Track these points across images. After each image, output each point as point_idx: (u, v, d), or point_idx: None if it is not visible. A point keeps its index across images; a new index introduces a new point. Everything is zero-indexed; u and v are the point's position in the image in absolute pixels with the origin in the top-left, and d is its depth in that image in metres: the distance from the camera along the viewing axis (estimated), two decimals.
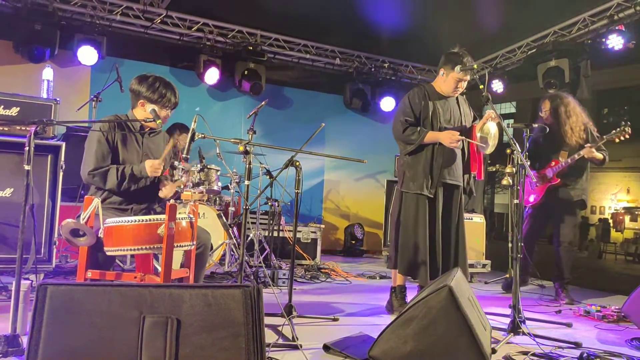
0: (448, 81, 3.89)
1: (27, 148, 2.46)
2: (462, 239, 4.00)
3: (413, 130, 3.84)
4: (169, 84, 3.36)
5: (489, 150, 3.94)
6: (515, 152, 3.43)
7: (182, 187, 3.12)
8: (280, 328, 3.19)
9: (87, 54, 6.37)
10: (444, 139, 3.79)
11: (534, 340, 3.14)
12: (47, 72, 4.65)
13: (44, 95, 4.56)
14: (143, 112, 3.29)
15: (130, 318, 1.84)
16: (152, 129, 3.40)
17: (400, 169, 4.05)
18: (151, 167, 3.15)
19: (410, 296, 3.97)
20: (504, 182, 3.50)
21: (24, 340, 2.30)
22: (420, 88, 4.00)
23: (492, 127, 3.90)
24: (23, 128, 4.01)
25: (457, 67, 3.76)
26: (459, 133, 3.78)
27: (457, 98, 4.05)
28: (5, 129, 4.01)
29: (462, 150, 4.01)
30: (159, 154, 3.39)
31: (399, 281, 4.02)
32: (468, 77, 3.89)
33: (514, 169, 3.44)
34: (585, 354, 2.93)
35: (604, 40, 6.25)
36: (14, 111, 4.09)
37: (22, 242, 2.45)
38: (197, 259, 3.16)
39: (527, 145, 3.86)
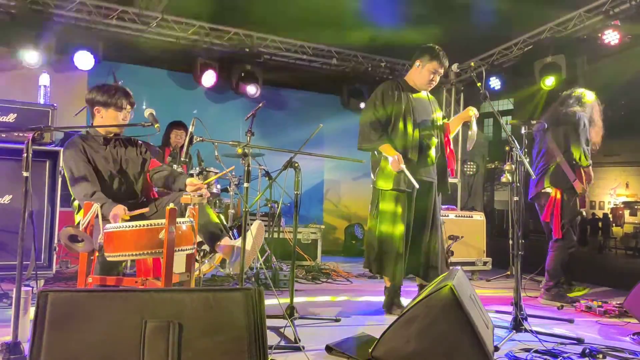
0: (423, 73, 3.96)
1: (25, 154, 2.46)
2: (436, 234, 4.03)
3: (378, 131, 3.84)
4: (119, 87, 3.36)
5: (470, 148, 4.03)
6: (514, 149, 3.43)
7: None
8: (282, 330, 3.19)
9: (84, 59, 6.36)
10: (391, 162, 3.78)
11: (536, 337, 3.14)
12: (44, 78, 4.64)
13: (41, 101, 4.55)
14: (101, 119, 3.29)
15: (132, 323, 1.83)
16: (117, 135, 3.39)
17: (375, 165, 4.02)
18: (115, 214, 2.95)
19: (405, 293, 4.06)
20: (504, 179, 3.50)
21: (26, 347, 2.29)
22: (394, 82, 4.04)
23: (474, 126, 3.95)
24: (21, 134, 4.00)
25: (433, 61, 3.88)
26: (403, 162, 3.77)
27: (427, 94, 4.11)
28: (3, 135, 4.00)
29: (437, 147, 4.04)
30: (132, 159, 3.39)
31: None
32: (442, 71, 3.97)
33: (513, 166, 3.44)
34: (587, 350, 2.94)
35: (600, 35, 6.25)
36: (11, 117, 4.09)
37: (22, 248, 2.44)
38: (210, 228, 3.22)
39: (536, 138, 3.88)
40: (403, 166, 3.75)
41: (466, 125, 4.07)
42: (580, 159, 4.52)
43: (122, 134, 3.46)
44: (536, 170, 4.68)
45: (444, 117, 4.18)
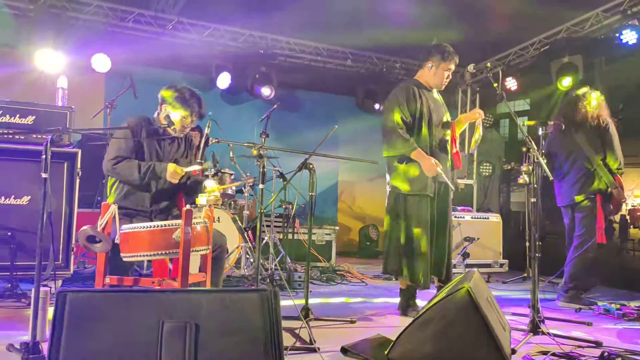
0: (438, 73, 3.95)
1: (44, 156, 2.48)
2: (451, 234, 4.08)
3: (407, 137, 3.78)
4: (195, 93, 3.39)
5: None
6: (531, 150, 3.39)
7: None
8: (297, 331, 3.19)
9: (101, 62, 6.44)
10: (427, 167, 3.74)
11: (554, 339, 3.11)
12: (62, 80, 4.70)
13: (59, 103, 4.61)
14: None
15: (149, 323, 1.84)
16: (170, 135, 3.40)
17: (394, 168, 3.97)
18: (173, 172, 3.16)
19: (420, 295, 4.04)
20: (521, 181, 3.46)
21: (44, 347, 2.32)
22: (411, 82, 4.01)
23: (481, 129, 3.96)
24: (39, 136, 4.05)
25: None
26: (440, 167, 3.78)
27: (438, 94, 4.12)
28: (22, 137, 4.05)
29: (450, 147, 4.04)
30: (181, 160, 3.41)
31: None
32: (453, 67, 3.97)
33: (530, 168, 3.40)
34: (606, 353, 2.90)
35: (617, 35, 6.18)
36: (29, 120, 4.14)
37: (40, 249, 2.47)
38: (214, 262, 3.16)
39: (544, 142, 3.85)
40: (439, 169, 3.73)
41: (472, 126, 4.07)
42: (619, 165, 4.46)
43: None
44: (571, 173, 4.58)
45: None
